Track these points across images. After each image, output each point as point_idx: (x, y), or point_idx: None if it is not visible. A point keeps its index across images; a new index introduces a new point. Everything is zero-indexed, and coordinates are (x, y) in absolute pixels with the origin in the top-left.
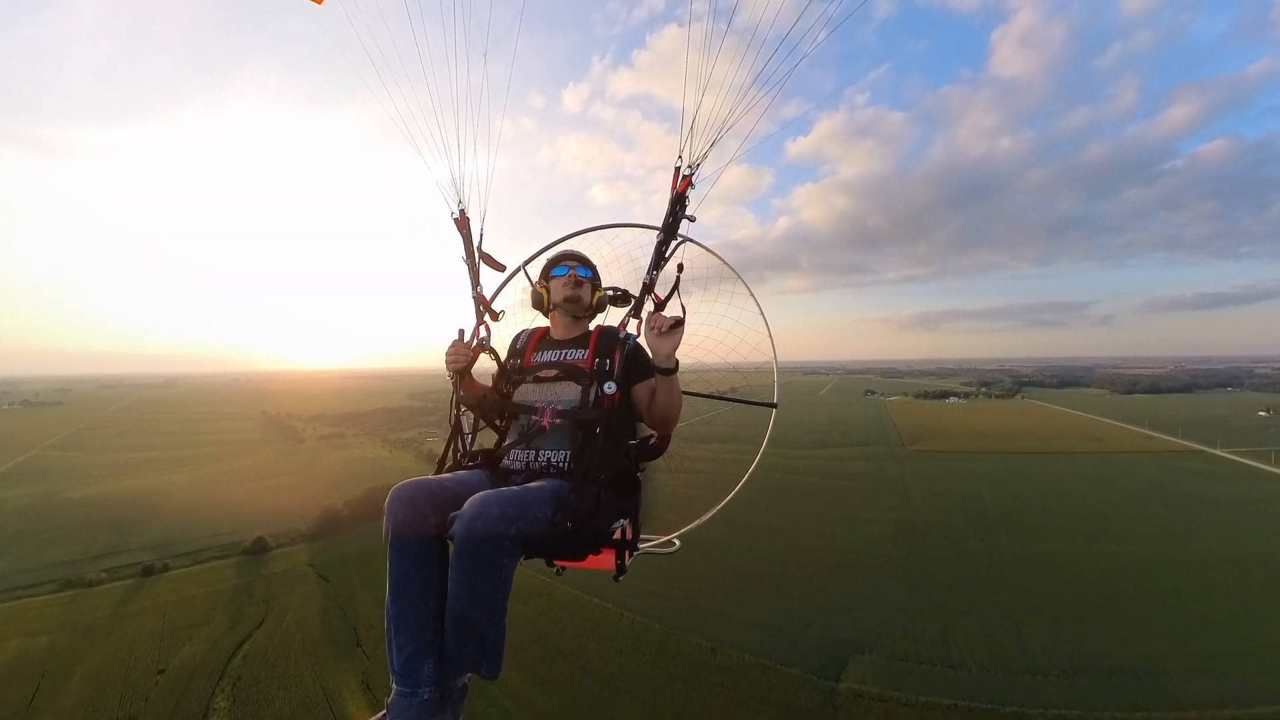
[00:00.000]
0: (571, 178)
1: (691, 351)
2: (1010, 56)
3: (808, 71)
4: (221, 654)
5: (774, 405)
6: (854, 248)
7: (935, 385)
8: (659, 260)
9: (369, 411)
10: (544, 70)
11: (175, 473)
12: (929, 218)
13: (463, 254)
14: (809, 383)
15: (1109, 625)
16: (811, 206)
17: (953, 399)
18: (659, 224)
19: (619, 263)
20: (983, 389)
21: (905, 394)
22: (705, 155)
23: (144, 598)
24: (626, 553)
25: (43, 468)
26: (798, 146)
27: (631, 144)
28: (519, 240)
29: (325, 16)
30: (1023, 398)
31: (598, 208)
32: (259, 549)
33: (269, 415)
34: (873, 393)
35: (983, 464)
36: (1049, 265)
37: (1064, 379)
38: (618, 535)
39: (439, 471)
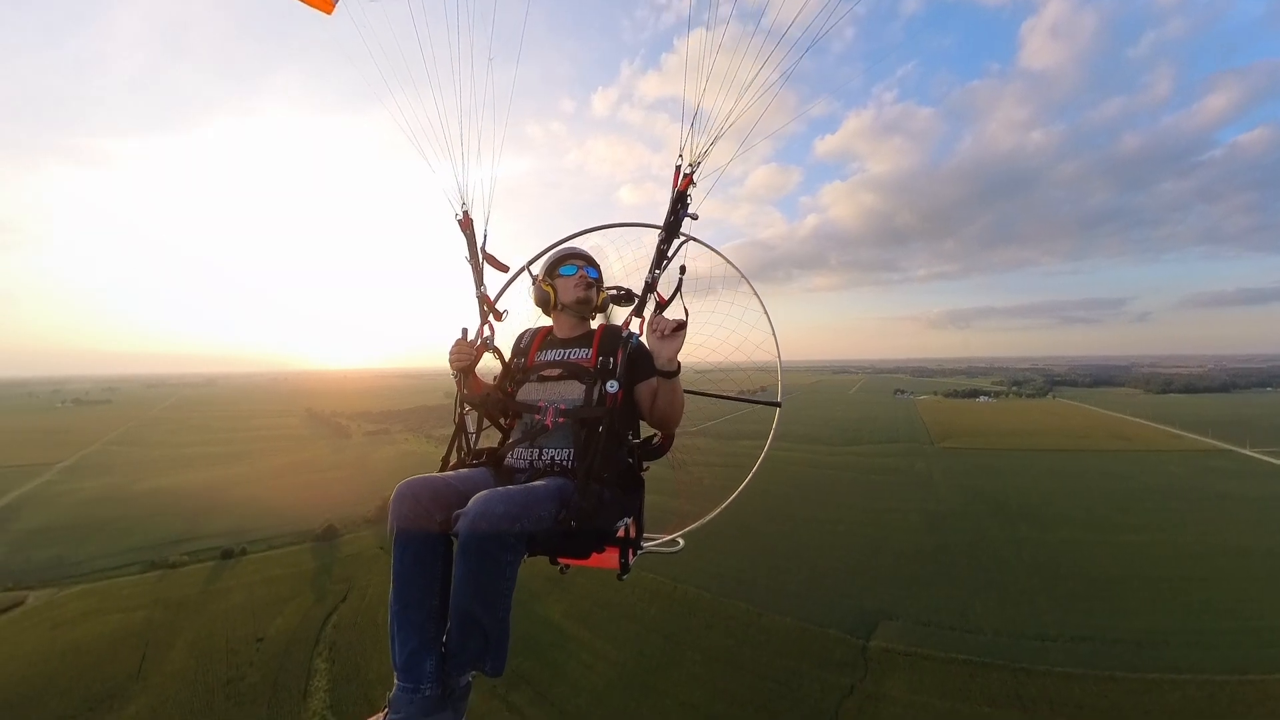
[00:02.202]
0: (599, 179)
1: (696, 351)
2: (1040, 48)
3: (835, 69)
4: (313, 624)
5: (778, 404)
6: (883, 245)
7: (965, 384)
8: (661, 259)
9: (409, 409)
10: (573, 76)
11: (233, 466)
12: (958, 213)
13: (466, 255)
14: (838, 382)
15: (1117, 604)
16: (840, 204)
17: (982, 398)
18: (661, 223)
19: (622, 262)
20: (1014, 388)
21: (935, 393)
22: (706, 153)
23: (228, 578)
24: (630, 551)
25: (106, 462)
26: (825, 144)
27: (659, 145)
28: (546, 239)
29: (337, 28)
30: (1054, 397)
31: (625, 208)
32: (329, 535)
33: (313, 412)
34: (902, 391)
35: (1009, 460)
36: (1082, 260)
37: (1098, 378)
38: (621, 534)
39: (443, 470)
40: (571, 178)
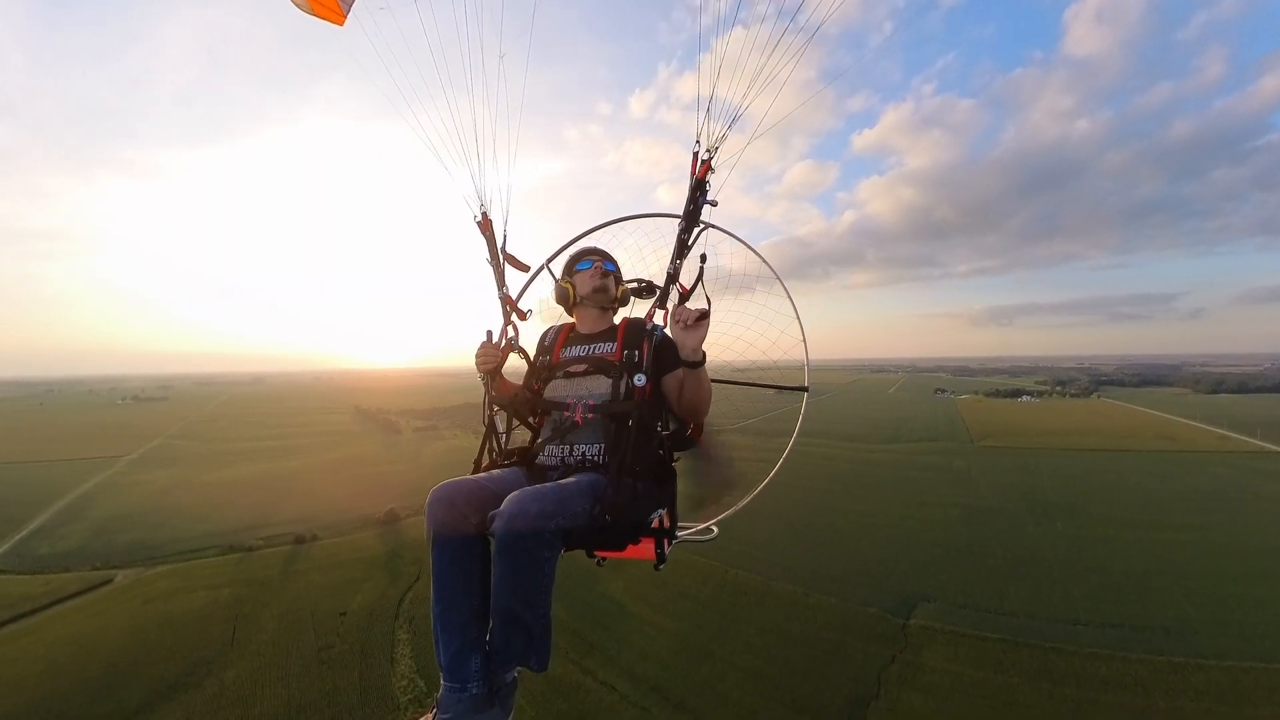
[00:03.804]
0: (636, 179)
1: (720, 339)
2: (1085, 34)
3: (874, 63)
4: (390, 600)
5: (805, 389)
6: (921, 240)
7: (1007, 384)
8: (682, 248)
9: (454, 406)
10: (610, 79)
11: (292, 460)
12: (1000, 207)
13: (486, 256)
14: (877, 380)
15: (1150, 595)
16: (878, 199)
17: (1025, 398)
18: (680, 212)
19: (641, 255)
20: (1057, 388)
21: (976, 392)
22: (723, 138)
23: (304, 560)
24: (665, 541)
25: (171, 455)
26: (863, 139)
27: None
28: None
29: (355, 37)
30: (1099, 397)
31: (663, 207)
32: (391, 519)
33: (362, 409)
34: (942, 391)
35: (1050, 460)
36: (1130, 254)
37: (1146, 377)
38: (656, 525)
39: (476, 472)
40: (609, 178)
